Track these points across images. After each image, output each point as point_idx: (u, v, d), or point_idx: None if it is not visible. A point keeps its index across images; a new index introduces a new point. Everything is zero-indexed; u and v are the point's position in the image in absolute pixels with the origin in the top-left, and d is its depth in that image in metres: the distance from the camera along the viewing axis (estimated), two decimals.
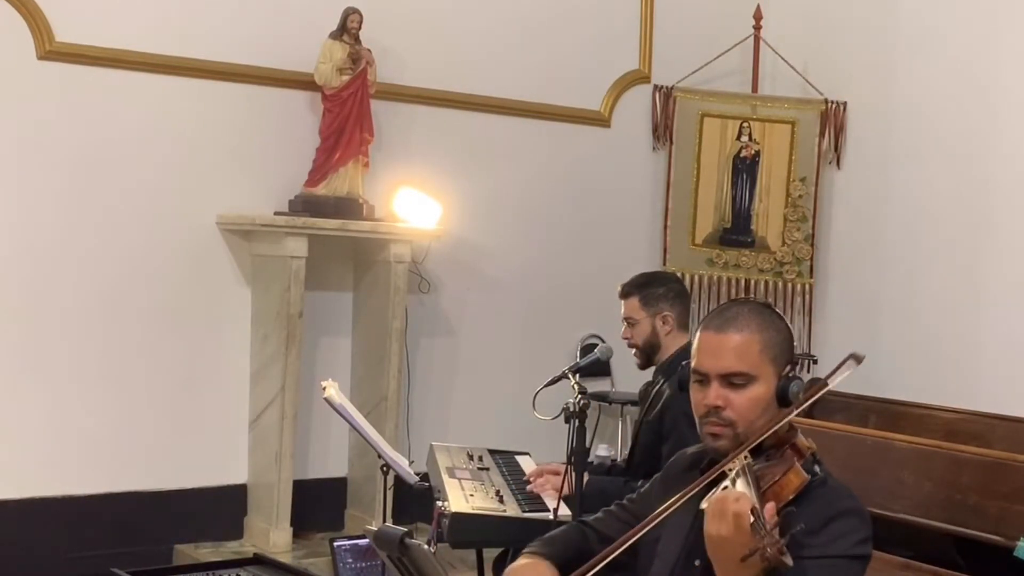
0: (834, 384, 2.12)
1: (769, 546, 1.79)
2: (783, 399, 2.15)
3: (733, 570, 1.89)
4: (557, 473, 3.55)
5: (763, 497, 1.94)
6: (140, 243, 5.08)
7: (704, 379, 2.17)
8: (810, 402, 2.14)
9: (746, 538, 1.84)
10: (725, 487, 1.98)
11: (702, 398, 2.17)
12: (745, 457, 2.04)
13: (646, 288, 3.79)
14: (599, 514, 2.48)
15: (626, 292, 3.82)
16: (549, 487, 3.54)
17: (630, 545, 2.11)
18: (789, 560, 1.80)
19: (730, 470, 2.03)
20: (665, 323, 3.75)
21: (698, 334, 2.22)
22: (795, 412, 2.10)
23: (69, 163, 4.92)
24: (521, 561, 2.31)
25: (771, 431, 2.06)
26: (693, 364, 2.21)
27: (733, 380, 2.14)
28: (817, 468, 2.10)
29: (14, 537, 4.78)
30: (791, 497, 1.97)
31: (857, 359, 2.09)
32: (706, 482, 2.07)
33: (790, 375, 2.17)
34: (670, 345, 3.74)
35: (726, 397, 2.14)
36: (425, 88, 5.74)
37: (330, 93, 5.25)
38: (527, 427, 4.22)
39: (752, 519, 1.84)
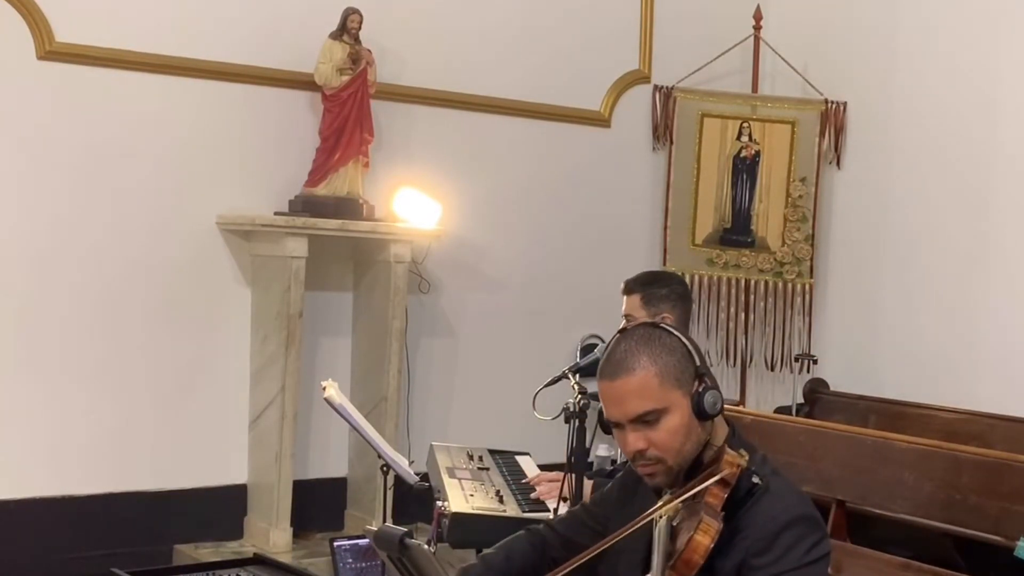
0: None
1: None
2: (701, 415, 2.13)
3: None
4: (558, 480, 3.56)
5: (672, 570, 1.96)
6: (140, 243, 5.07)
7: (619, 425, 2.16)
8: None
9: None
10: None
11: (624, 444, 2.16)
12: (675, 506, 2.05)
13: (649, 287, 3.76)
14: (564, 515, 2.47)
15: (629, 289, 3.79)
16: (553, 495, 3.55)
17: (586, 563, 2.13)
18: None
19: (659, 518, 2.05)
20: None
21: (597, 384, 2.19)
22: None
23: (69, 163, 4.92)
24: None
25: (694, 491, 2.03)
26: (605, 414, 2.19)
27: (645, 419, 2.12)
28: (755, 479, 2.08)
29: (14, 537, 4.78)
30: (702, 561, 1.96)
31: None
32: (645, 519, 2.07)
33: (700, 389, 2.13)
34: None
35: (645, 437, 2.12)
36: (425, 88, 5.74)
37: (330, 93, 5.25)
38: (527, 427, 4.21)
39: None
